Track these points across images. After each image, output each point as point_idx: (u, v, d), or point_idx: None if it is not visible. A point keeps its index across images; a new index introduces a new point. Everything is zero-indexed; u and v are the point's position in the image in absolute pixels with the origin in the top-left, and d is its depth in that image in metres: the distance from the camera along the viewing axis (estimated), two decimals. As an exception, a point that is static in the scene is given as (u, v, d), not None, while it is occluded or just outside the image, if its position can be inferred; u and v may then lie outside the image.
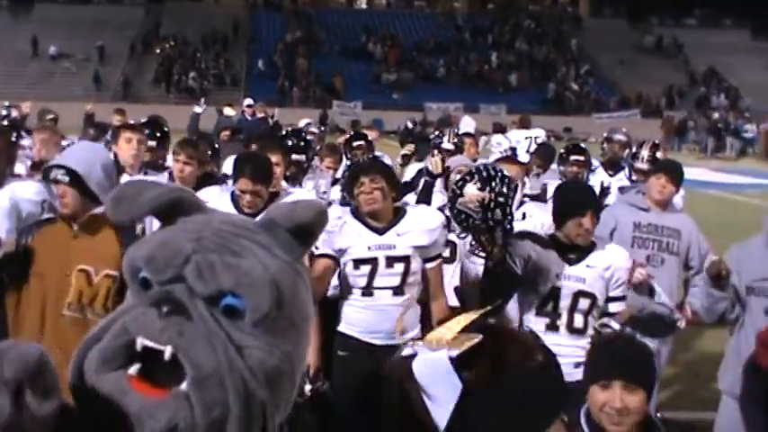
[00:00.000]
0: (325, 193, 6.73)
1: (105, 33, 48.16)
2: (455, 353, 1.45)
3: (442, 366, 1.44)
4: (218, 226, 1.46)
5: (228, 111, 16.26)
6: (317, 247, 4.69)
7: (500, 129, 15.44)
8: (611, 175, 8.33)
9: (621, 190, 7.31)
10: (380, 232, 4.69)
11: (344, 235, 4.72)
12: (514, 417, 1.44)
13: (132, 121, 8.35)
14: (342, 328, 4.80)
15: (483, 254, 4.29)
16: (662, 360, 5.82)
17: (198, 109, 13.37)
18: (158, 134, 7.36)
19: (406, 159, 8.44)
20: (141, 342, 1.31)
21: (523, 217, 5.79)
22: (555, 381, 1.53)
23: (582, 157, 7.64)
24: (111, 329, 1.34)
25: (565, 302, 4.46)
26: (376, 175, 4.75)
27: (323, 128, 15.93)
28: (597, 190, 7.47)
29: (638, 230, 5.82)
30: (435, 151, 7.75)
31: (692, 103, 48.42)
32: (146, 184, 1.51)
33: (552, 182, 7.51)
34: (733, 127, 37.52)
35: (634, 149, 7.94)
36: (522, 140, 10.88)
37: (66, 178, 3.94)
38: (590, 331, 4.50)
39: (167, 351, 1.30)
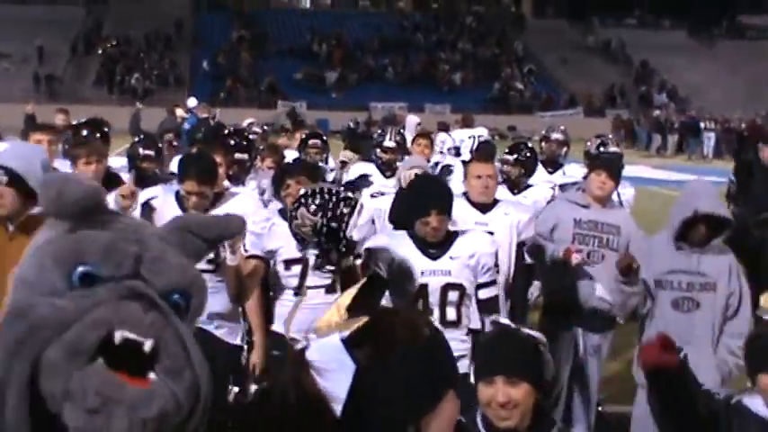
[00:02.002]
0: (265, 192, 6.72)
1: (45, 33, 47.33)
2: (346, 334, 1.53)
3: (334, 348, 1.52)
4: (150, 230, 1.53)
5: (180, 112, 16.14)
6: (246, 249, 4.71)
7: (444, 128, 15.53)
8: (549, 173, 8.42)
9: (562, 187, 7.40)
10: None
11: (274, 236, 4.75)
12: (406, 390, 1.52)
13: (75, 122, 8.25)
14: (275, 327, 4.82)
15: (331, 267, 4.28)
16: (602, 355, 5.91)
17: (135, 110, 13.27)
18: (98, 135, 7.27)
19: (344, 165, 8.47)
20: (122, 335, 1.31)
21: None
22: (443, 354, 1.62)
23: (522, 156, 7.63)
24: (83, 321, 1.32)
25: (434, 298, 4.46)
26: (302, 176, 4.78)
27: (276, 127, 15.82)
28: (538, 189, 7.59)
29: (578, 227, 5.87)
30: (381, 154, 7.79)
31: (633, 101, 49.11)
32: (71, 181, 1.50)
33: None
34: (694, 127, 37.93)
35: (596, 146, 8.06)
36: (466, 139, 10.94)
37: (5, 178, 3.88)
38: (465, 321, 4.53)
39: (148, 344, 1.32)
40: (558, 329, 5.80)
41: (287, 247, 4.71)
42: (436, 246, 4.51)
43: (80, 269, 1.39)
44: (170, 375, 1.33)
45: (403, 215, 4.64)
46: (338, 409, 1.49)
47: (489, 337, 3.03)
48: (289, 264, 4.73)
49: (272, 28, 53.19)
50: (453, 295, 4.51)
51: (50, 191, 1.47)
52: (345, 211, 4.29)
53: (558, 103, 47.90)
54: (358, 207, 4.38)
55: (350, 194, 4.52)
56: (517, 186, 7.39)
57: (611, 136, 8.44)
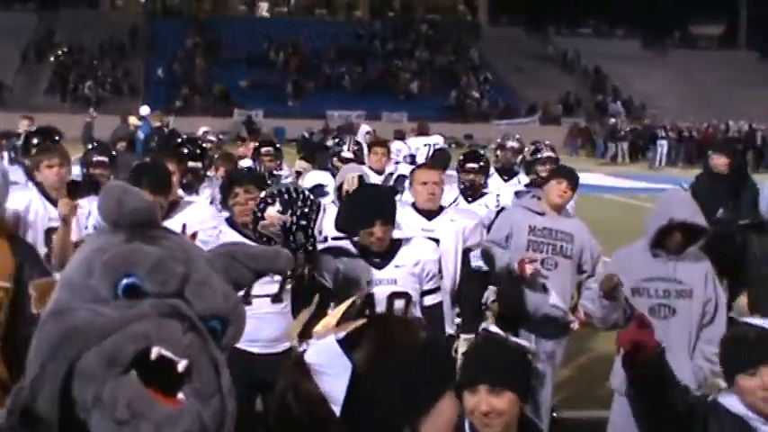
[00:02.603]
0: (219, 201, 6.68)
1: (-5, 40, 46.67)
2: (342, 335, 1.55)
3: (331, 349, 1.53)
4: (197, 252, 1.57)
5: (133, 120, 16.00)
6: None
7: (401, 136, 15.56)
8: (505, 181, 8.48)
9: (517, 194, 7.45)
10: (257, 240, 4.69)
11: None
12: (403, 391, 1.53)
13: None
14: None
15: (286, 274, 4.25)
16: (556, 361, 5.95)
17: (88, 118, 13.15)
18: (49, 143, 7.18)
19: (299, 175, 8.46)
20: (158, 351, 1.33)
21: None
22: (440, 355, 1.64)
23: (476, 165, 7.66)
24: (124, 332, 1.33)
25: (380, 307, 4.44)
26: (250, 185, 4.76)
27: (233, 136, 15.72)
28: (494, 196, 7.62)
29: (533, 234, 5.91)
30: (339, 163, 7.78)
31: (588, 110, 49.58)
32: (131, 191, 1.53)
33: (450, 187, 7.60)
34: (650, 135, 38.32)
35: (531, 152, 8.10)
36: (422, 147, 10.98)
37: None
38: None
39: (182, 364, 1.33)
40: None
41: None
42: (381, 255, 4.50)
43: (126, 281, 1.41)
44: (199, 398, 1.35)
45: (347, 224, 4.62)
46: (337, 410, 1.51)
47: (475, 345, 3.02)
48: None
49: (227, 35, 52.91)
50: (399, 303, 4.50)
51: (111, 199, 1.49)
52: (313, 209, 4.28)
53: (516, 112, 48.20)
54: (322, 208, 4.37)
55: (312, 196, 4.50)
56: (475, 194, 7.43)
57: (547, 142, 8.46)
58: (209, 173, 7.78)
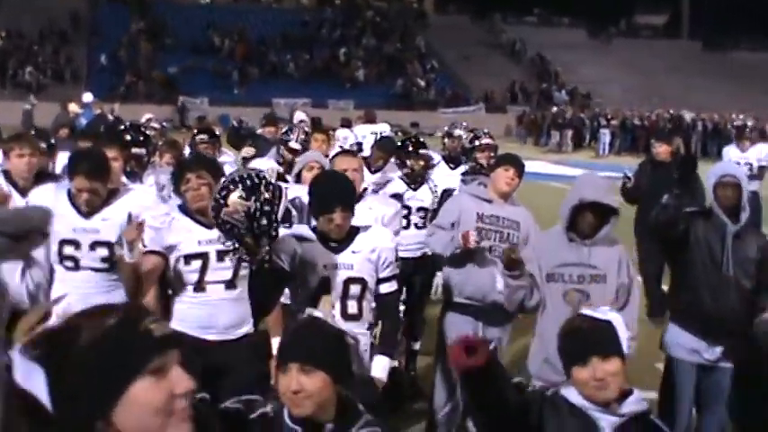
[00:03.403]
0: (164, 188, 6.61)
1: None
2: (20, 344, 1.60)
3: (18, 357, 1.58)
4: None
5: (74, 107, 15.73)
6: (144, 245, 4.62)
7: (347, 124, 15.52)
8: (452, 169, 8.50)
9: (463, 181, 7.46)
10: (210, 227, 4.62)
11: (173, 231, 4.66)
12: (85, 385, 1.57)
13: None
14: (173, 324, 4.72)
15: (248, 257, 4.22)
16: (502, 347, 5.97)
17: (27, 105, 12.89)
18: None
19: (246, 162, 8.36)
20: None
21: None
22: (125, 342, 1.62)
23: (417, 151, 7.63)
24: None
25: (336, 291, 4.47)
26: (202, 170, 4.71)
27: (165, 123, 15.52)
28: (440, 183, 7.63)
29: (481, 221, 5.92)
30: (286, 153, 7.73)
31: (534, 98, 49.96)
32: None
33: (395, 174, 7.60)
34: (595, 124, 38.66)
35: (469, 140, 8.13)
36: (368, 135, 10.97)
37: None
38: (366, 315, 4.55)
39: None
40: (459, 322, 5.85)
41: (186, 242, 4.65)
42: (338, 240, 4.52)
43: None
44: None
45: (311, 210, 4.63)
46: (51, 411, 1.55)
47: (293, 328, 3.00)
48: (188, 259, 4.66)
49: (173, 22, 52.24)
50: (355, 289, 4.52)
51: None
52: (276, 195, 4.24)
53: (463, 100, 48.37)
54: (284, 193, 4.33)
55: (273, 181, 4.47)
56: (416, 181, 7.43)
57: (486, 130, 8.50)
58: (152, 160, 7.71)
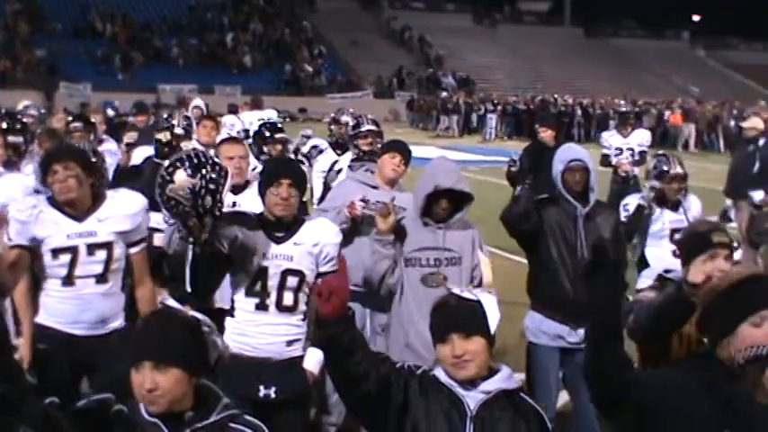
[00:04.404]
0: None
1: None
2: None
3: None
4: None
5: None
6: (10, 238, 4.48)
7: (234, 110, 15.38)
8: (339, 155, 8.49)
9: (351, 167, 7.46)
10: (80, 219, 4.52)
11: (41, 224, 4.51)
12: None
13: None
14: (40, 319, 4.62)
15: (192, 239, 4.20)
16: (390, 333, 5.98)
17: None
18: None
19: (130, 147, 8.18)
20: None
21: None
22: None
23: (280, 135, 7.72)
24: None
25: (273, 281, 4.43)
26: (69, 161, 4.56)
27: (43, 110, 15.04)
28: (326, 170, 7.62)
29: (367, 207, 5.92)
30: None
31: (421, 83, 50.31)
32: None
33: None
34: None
35: (353, 126, 8.15)
36: (255, 121, 10.85)
37: None
38: (301, 307, 4.53)
39: None
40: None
41: (55, 235, 4.51)
42: (282, 230, 4.46)
43: None
44: None
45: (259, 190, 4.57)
46: None
47: (143, 320, 2.94)
48: (57, 253, 4.52)
49: (51, 4, 50.49)
50: (293, 281, 4.46)
51: None
52: (221, 174, 4.22)
53: (351, 85, 48.38)
54: (229, 174, 4.31)
55: (218, 160, 4.43)
56: None
57: (370, 116, 8.51)
58: (31, 148, 7.47)
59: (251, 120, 11.44)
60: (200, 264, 4.25)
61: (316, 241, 4.52)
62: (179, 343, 2.75)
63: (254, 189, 5.71)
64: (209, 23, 52.53)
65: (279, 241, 4.46)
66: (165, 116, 8.43)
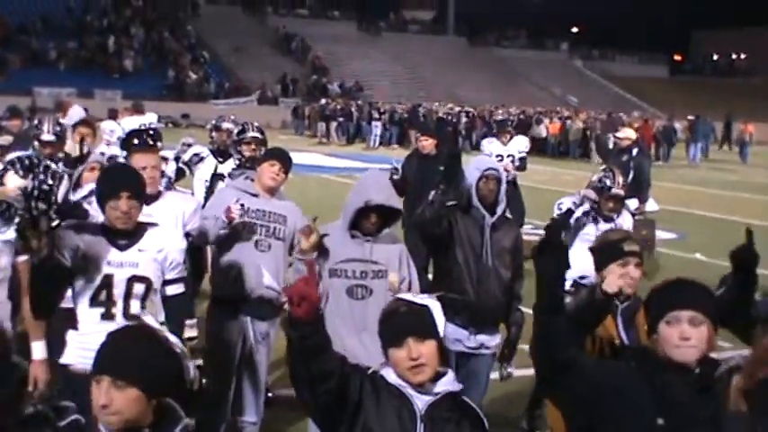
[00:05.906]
0: None
1: None
2: None
3: None
4: None
5: None
6: None
7: (114, 115, 15.05)
8: (220, 162, 8.43)
9: (230, 175, 7.42)
10: None
11: None
12: None
13: None
14: None
15: (27, 251, 4.10)
16: (271, 341, 5.99)
17: None
18: None
19: (4, 151, 7.92)
20: None
21: None
22: None
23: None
24: None
25: (119, 290, 4.37)
26: None
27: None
28: (207, 178, 7.56)
29: (247, 216, 5.90)
30: (40, 148, 7.34)
31: (305, 90, 50.27)
32: None
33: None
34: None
35: (237, 133, 8.11)
36: (136, 127, 10.64)
37: None
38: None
39: None
40: (227, 318, 5.82)
41: None
42: (125, 237, 4.37)
43: None
44: None
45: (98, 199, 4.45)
46: None
47: (111, 334, 2.86)
48: None
49: None
50: (139, 288, 4.39)
51: None
52: (56, 178, 4.11)
53: (235, 92, 47.95)
54: (65, 177, 4.22)
55: (53, 165, 4.35)
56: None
57: (256, 124, 8.44)
58: None
59: (132, 125, 11.19)
60: (40, 276, 4.13)
61: (160, 247, 4.47)
62: (143, 362, 2.68)
63: (166, 199, 5.64)
64: (89, 26, 51.28)
65: (123, 248, 4.38)
66: (36, 123, 8.10)
